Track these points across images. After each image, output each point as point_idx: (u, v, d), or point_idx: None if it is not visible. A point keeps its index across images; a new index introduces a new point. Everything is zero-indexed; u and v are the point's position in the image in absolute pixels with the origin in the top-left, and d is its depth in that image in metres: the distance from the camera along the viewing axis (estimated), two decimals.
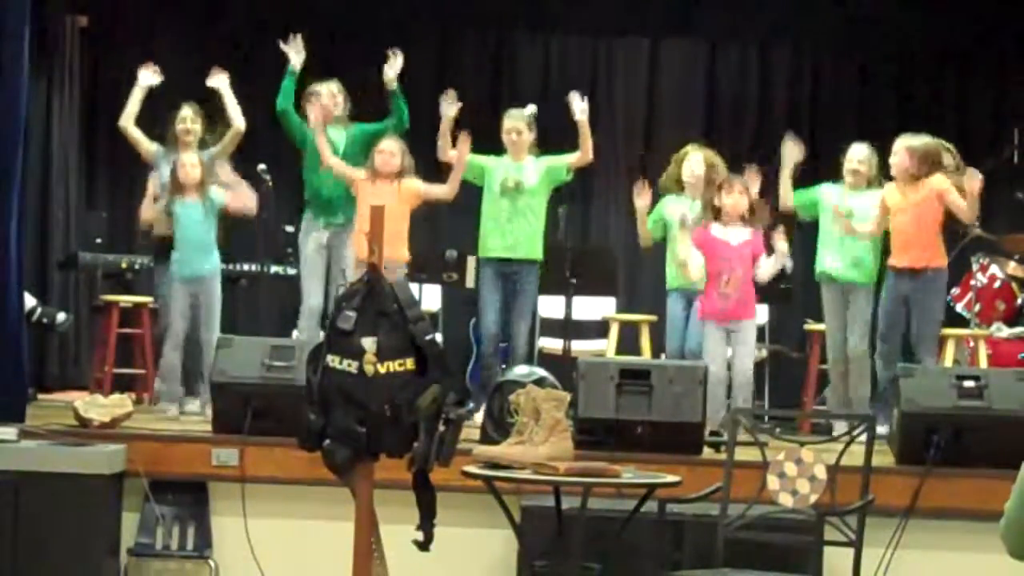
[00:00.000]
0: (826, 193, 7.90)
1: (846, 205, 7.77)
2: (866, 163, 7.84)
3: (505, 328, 8.02)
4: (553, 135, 8.21)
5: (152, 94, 8.07)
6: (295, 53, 8.19)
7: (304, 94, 8.19)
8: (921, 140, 7.68)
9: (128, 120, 8.02)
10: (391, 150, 7.88)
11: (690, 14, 10.34)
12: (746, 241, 7.35)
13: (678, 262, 7.64)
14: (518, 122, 8.03)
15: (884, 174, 7.77)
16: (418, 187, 7.93)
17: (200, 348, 7.66)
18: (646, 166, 9.18)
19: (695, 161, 8.08)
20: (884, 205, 7.65)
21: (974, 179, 7.40)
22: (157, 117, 8.09)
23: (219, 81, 7.99)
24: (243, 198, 7.97)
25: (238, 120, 7.98)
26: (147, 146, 8.06)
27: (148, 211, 8.02)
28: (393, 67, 8.11)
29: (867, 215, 7.70)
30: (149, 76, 8.02)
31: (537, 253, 8.00)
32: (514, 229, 7.92)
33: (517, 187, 7.94)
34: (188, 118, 8.00)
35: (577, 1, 10.49)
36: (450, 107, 7.94)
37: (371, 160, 7.93)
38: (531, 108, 8.16)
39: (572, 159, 8.03)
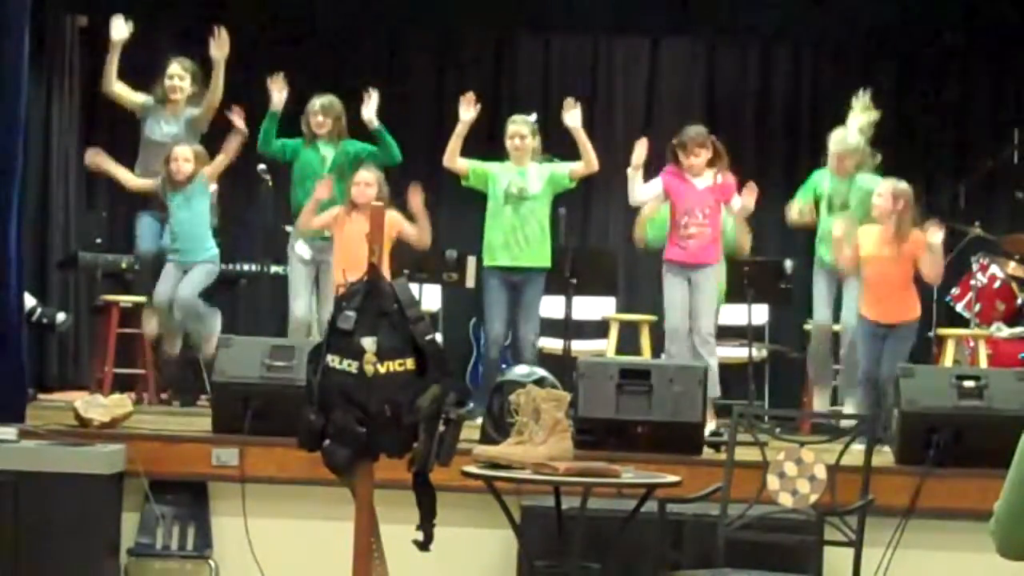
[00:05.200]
0: (819, 181, 8.06)
1: (841, 194, 7.89)
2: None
3: (508, 330, 7.98)
4: (553, 137, 8.19)
5: (151, 92, 8.08)
6: (277, 92, 8.08)
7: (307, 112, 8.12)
8: (905, 186, 7.43)
9: (109, 81, 8.00)
10: (367, 180, 7.76)
11: (690, 14, 10.32)
12: (711, 187, 7.51)
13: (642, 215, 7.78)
14: (521, 127, 7.94)
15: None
16: (399, 222, 7.68)
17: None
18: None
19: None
20: (856, 246, 7.47)
21: (935, 235, 7.28)
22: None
23: (220, 51, 7.92)
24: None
25: (218, 92, 7.95)
26: (134, 99, 8.08)
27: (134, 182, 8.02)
28: (370, 107, 8.04)
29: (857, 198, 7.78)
30: (120, 30, 7.95)
31: (544, 260, 7.92)
32: (519, 237, 7.85)
33: (520, 194, 7.89)
34: (176, 74, 8.01)
35: (577, 1, 10.48)
36: (468, 112, 7.82)
37: (347, 193, 7.83)
38: (534, 116, 8.10)
39: (576, 168, 7.94)
